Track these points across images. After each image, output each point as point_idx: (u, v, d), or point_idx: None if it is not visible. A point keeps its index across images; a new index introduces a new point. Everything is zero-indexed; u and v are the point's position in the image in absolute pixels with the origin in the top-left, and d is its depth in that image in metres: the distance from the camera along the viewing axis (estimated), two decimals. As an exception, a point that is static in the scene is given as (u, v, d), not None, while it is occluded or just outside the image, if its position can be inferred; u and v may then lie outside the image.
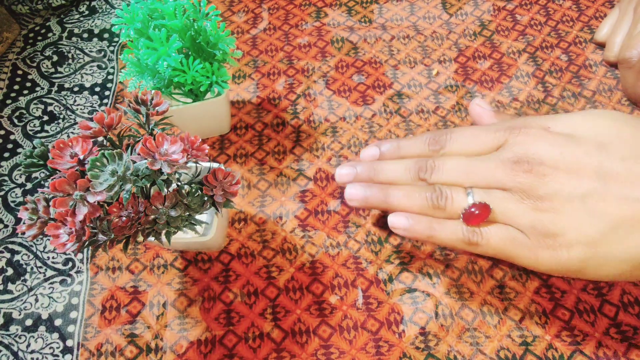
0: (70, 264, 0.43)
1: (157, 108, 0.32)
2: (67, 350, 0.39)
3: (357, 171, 0.40)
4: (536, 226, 0.31)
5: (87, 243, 0.29)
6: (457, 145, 0.36)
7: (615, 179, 0.30)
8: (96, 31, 0.58)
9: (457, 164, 0.35)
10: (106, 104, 0.52)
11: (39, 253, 0.44)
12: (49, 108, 0.52)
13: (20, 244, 0.44)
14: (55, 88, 0.54)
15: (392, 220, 0.36)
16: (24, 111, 0.52)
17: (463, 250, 0.39)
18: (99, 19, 0.59)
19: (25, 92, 0.53)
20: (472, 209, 0.33)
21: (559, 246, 0.31)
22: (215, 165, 0.40)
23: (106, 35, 0.58)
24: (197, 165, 0.40)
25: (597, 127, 0.32)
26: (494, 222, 0.34)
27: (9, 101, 0.53)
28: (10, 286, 0.42)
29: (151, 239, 0.32)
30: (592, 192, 0.30)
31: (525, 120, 0.35)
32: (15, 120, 0.51)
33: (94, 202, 0.27)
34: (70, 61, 0.56)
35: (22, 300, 0.41)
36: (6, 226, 0.45)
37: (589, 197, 0.30)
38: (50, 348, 0.39)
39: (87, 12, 0.60)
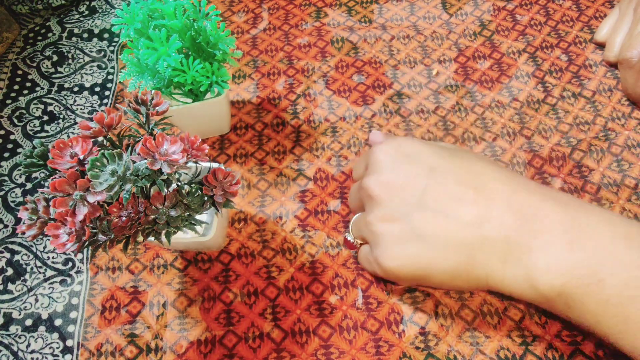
0: (70, 264, 0.43)
1: (157, 108, 0.32)
2: (67, 350, 0.39)
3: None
4: (375, 240, 0.36)
5: (87, 243, 0.29)
6: (355, 168, 0.43)
7: (436, 198, 0.34)
8: (96, 31, 0.58)
9: (352, 191, 0.42)
10: (106, 104, 0.52)
11: (39, 253, 0.44)
12: (49, 108, 0.52)
13: (20, 244, 0.44)
14: (55, 88, 0.54)
15: None
16: (24, 111, 0.52)
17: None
18: (99, 19, 0.59)
19: (25, 92, 0.53)
20: (347, 238, 0.41)
21: (394, 258, 0.35)
22: (215, 165, 0.40)
23: (106, 35, 0.58)
24: (197, 165, 0.40)
25: (432, 154, 0.36)
26: (363, 244, 0.40)
27: (9, 101, 0.53)
28: (10, 286, 0.42)
29: (151, 239, 0.32)
30: (416, 208, 0.34)
31: (386, 141, 0.39)
32: (15, 120, 0.51)
33: (94, 202, 0.27)
34: (70, 61, 0.56)
35: (22, 300, 0.41)
36: (6, 226, 0.45)
37: (413, 213, 0.34)
38: (50, 348, 0.39)
39: (87, 12, 0.60)
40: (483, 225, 0.32)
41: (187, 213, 0.32)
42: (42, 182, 0.46)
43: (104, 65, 0.55)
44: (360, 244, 0.40)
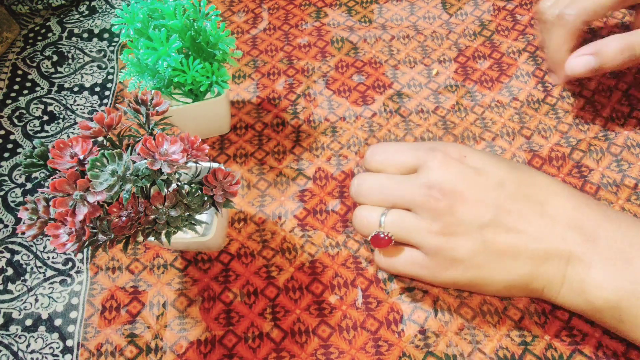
0: (70, 264, 0.43)
1: (157, 108, 0.32)
2: (67, 350, 0.39)
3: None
4: (438, 251, 0.35)
5: (87, 243, 0.29)
6: (379, 158, 0.40)
7: (506, 214, 0.34)
8: (96, 31, 0.58)
9: (376, 183, 0.38)
10: (106, 104, 0.52)
11: (39, 253, 0.44)
12: (49, 108, 0.52)
13: (20, 244, 0.44)
14: (55, 88, 0.54)
15: None
16: (24, 111, 0.52)
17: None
18: (99, 19, 0.59)
19: (25, 92, 0.53)
20: (379, 235, 0.37)
21: (455, 268, 0.35)
22: (215, 165, 0.40)
23: (106, 35, 0.58)
24: (197, 165, 0.40)
25: (499, 168, 0.36)
26: (400, 246, 0.38)
27: (9, 101, 0.53)
28: (10, 286, 0.42)
29: (151, 239, 0.32)
30: (489, 223, 0.34)
31: (445, 145, 0.38)
32: (15, 120, 0.51)
33: (94, 202, 0.27)
34: (70, 61, 0.56)
35: (22, 300, 0.42)
36: (6, 226, 0.45)
37: (486, 227, 0.34)
38: (50, 348, 0.39)
39: (87, 12, 0.60)
40: (549, 240, 0.34)
41: (187, 213, 0.32)
42: (42, 182, 0.46)
43: (104, 65, 0.55)
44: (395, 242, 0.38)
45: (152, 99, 0.32)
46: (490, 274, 0.35)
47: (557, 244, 0.34)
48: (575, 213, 0.34)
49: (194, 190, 0.32)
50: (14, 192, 0.47)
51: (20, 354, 0.39)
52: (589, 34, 0.53)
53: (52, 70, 0.55)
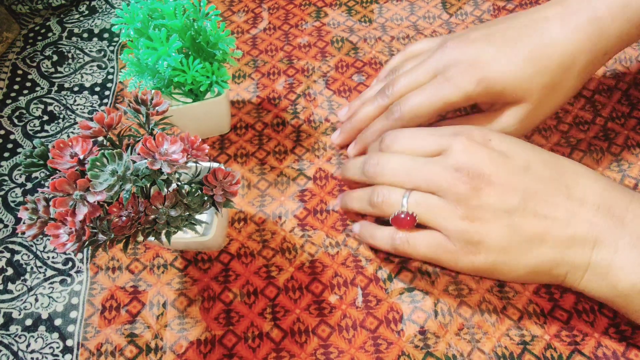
0: (70, 263, 0.43)
1: (157, 108, 0.32)
2: (67, 350, 0.39)
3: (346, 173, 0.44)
4: (463, 235, 0.35)
5: (87, 243, 0.29)
6: (402, 143, 0.39)
7: (533, 198, 0.34)
8: (96, 31, 0.58)
9: (399, 164, 0.38)
10: (106, 104, 0.52)
11: (39, 253, 0.44)
12: (49, 108, 0.52)
13: (20, 244, 0.44)
14: (55, 88, 0.54)
15: (352, 228, 0.42)
16: (24, 111, 0.52)
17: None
18: (99, 19, 0.59)
19: (25, 92, 0.53)
20: (400, 216, 0.36)
21: (478, 252, 0.35)
22: (215, 165, 0.40)
23: (106, 35, 0.58)
24: (197, 165, 0.40)
25: (524, 150, 0.36)
26: (422, 228, 0.37)
27: (9, 101, 0.53)
28: (10, 286, 0.42)
29: (151, 238, 0.32)
30: (516, 208, 0.34)
31: (469, 129, 0.37)
32: (15, 120, 0.51)
33: (94, 202, 0.27)
34: (70, 61, 0.56)
35: (22, 300, 0.42)
36: (6, 226, 0.45)
37: (513, 212, 0.34)
38: (50, 348, 0.39)
39: (87, 12, 0.60)
40: (575, 225, 0.33)
41: (187, 213, 0.32)
42: (42, 182, 0.46)
43: (104, 65, 0.55)
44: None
45: (152, 98, 0.32)
46: (514, 259, 0.35)
47: (583, 228, 0.33)
48: (602, 196, 0.34)
49: (194, 190, 0.32)
50: (14, 192, 0.47)
51: (20, 353, 0.39)
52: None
53: (52, 70, 0.55)
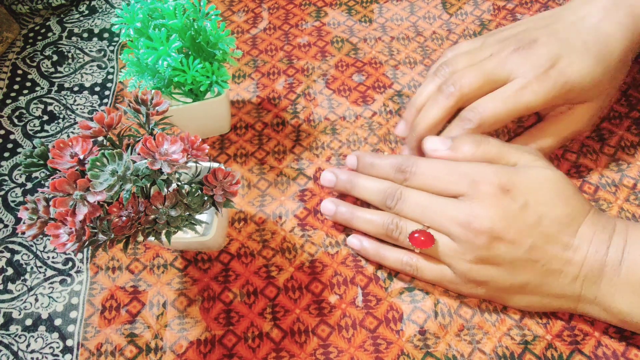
0: (70, 263, 0.43)
1: (157, 108, 0.32)
2: (67, 350, 0.39)
3: (337, 180, 0.43)
4: (468, 275, 0.37)
5: (87, 243, 0.29)
6: (420, 180, 0.39)
7: (536, 252, 0.35)
8: (96, 31, 0.58)
9: (419, 201, 0.39)
10: (106, 104, 0.52)
11: (39, 253, 0.44)
12: (49, 108, 0.52)
13: (20, 244, 0.44)
14: (55, 88, 0.54)
15: (349, 241, 0.42)
16: (24, 111, 0.52)
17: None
18: (99, 19, 0.59)
19: (25, 91, 0.53)
20: (420, 238, 0.38)
21: (480, 288, 0.38)
22: (215, 165, 0.40)
23: (106, 35, 0.58)
24: (197, 165, 0.40)
25: (540, 203, 0.36)
26: (432, 258, 0.39)
27: (9, 101, 0.53)
28: (10, 286, 0.42)
29: (151, 238, 0.32)
30: (519, 258, 0.36)
31: (490, 173, 0.37)
32: (15, 120, 0.51)
33: (94, 202, 0.27)
34: (70, 61, 0.56)
35: (22, 300, 0.42)
36: (6, 226, 0.45)
37: (516, 262, 0.36)
38: (50, 348, 0.39)
39: (87, 12, 0.60)
40: (566, 274, 0.35)
41: (187, 213, 0.32)
42: (42, 182, 0.46)
43: (104, 65, 0.55)
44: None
45: (152, 98, 0.32)
46: (511, 298, 0.38)
47: (571, 289, 0.36)
48: (592, 241, 0.35)
49: (194, 190, 0.32)
50: (14, 191, 0.47)
51: (20, 353, 0.39)
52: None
53: (52, 70, 0.55)
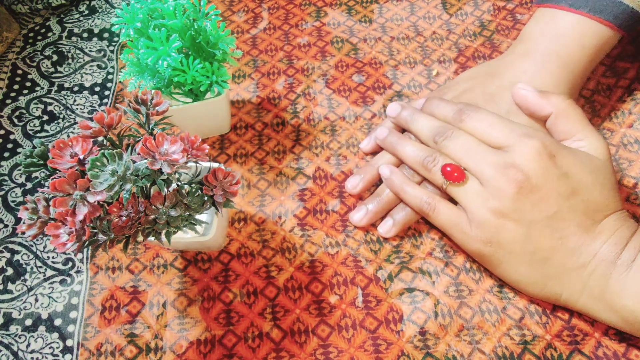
0: (70, 263, 0.43)
1: (157, 108, 0.32)
2: (67, 350, 0.39)
3: (400, 112, 0.45)
4: (484, 224, 0.37)
5: (87, 243, 0.29)
6: (475, 125, 0.40)
7: (559, 220, 0.36)
8: (96, 31, 0.58)
9: (465, 142, 0.39)
10: (106, 104, 0.52)
11: (39, 253, 0.44)
12: (49, 108, 0.52)
13: (20, 244, 0.44)
14: (55, 88, 0.54)
15: (381, 169, 0.43)
16: (24, 111, 0.52)
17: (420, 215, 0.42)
18: (98, 19, 0.59)
19: (25, 91, 0.53)
20: (451, 169, 0.38)
21: (490, 245, 0.37)
22: (215, 165, 0.40)
23: (106, 35, 0.58)
24: (197, 165, 0.40)
25: (581, 178, 0.36)
26: (451, 203, 0.39)
27: (8, 101, 0.53)
28: (10, 286, 0.42)
29: (151, 238, 0.32)
30: (539, 221, 0.36)
31: (543, 136, 0.38)
32: (15, 120, 0.51)
33: (94, 202, 0.27)
34: (70, 61, 0.56)
35: (22, 300, 0.42)
36: (6, 226, 0.45)
37: (535, 224, 0.36)
38: (50, 348, 0.39)
39: (87, 12, 0.60)
40: (579, 255, 0.35)
41: (187, 213, 0.32)
42: (42, 182, 0.46)
43: (103, 65, 0.55)
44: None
45: (152, 98, 0.32)
46: (516, 264, 0.37)
47: (578, 277, 0.35)
48: (615, 235, 0.35)
49: (194, 190, 0.32)
50: (14, 191, 0.47)
51: (20, 353, 0.39)
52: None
53: (52, 70, 0.55)
